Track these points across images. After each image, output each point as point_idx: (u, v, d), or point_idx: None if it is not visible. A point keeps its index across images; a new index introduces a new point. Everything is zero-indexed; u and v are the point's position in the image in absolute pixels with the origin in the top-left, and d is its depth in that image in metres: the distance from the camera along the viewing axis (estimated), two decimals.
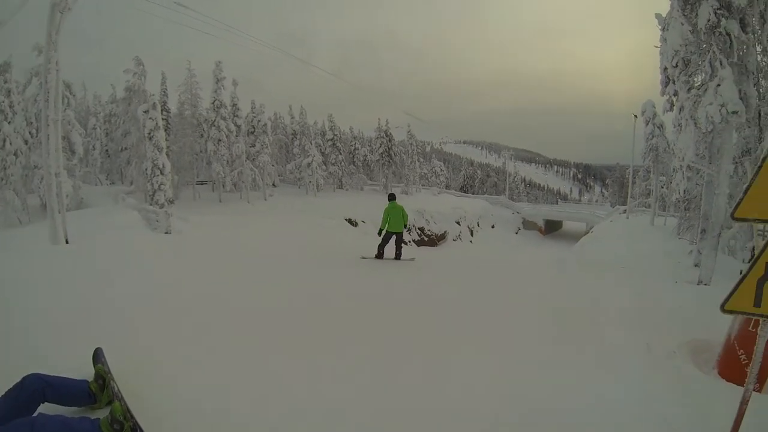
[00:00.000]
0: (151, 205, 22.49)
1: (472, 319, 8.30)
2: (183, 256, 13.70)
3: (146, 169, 24.06)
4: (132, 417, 3.93)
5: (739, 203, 3.90)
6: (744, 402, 4.02)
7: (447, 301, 9.86)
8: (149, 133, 23.92)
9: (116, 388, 4.32)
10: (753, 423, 4.15)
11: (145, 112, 24.30)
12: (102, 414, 3.97)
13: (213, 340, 6.43)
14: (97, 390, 4.28)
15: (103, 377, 4.35)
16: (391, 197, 16.16)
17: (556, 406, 5.08)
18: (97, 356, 4.75)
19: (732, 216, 3.97)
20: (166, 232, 19.56)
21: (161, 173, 23.78)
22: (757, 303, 3.85)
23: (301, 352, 6.20)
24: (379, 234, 15.69)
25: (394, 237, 15.75)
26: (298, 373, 5.56)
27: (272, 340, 6.65)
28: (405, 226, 15.92)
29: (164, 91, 38.20)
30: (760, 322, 3.95)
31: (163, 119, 29.64)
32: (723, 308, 4.00)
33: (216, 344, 6.29)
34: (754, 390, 4.10)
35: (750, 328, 5.32)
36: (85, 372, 4.54)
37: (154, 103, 24.58)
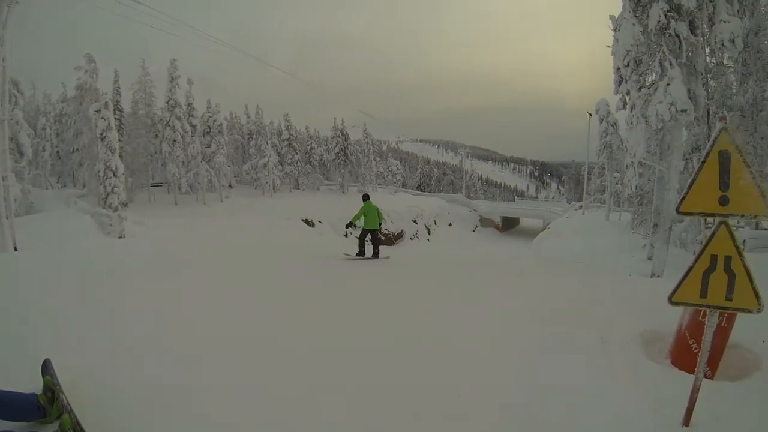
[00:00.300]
0: (104, 208, 22.01)
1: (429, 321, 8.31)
2: (136, 262, 13.34)
3: (99, 172, 23.46)
4: (82, 430, 3.87)
5: (683, 198, 4.07)
6: (695, 390, 4.19)
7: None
8: (101, 134, 23.33)
9: (65, 401, 4.22)
10: (705, 409, 4.33)
11: (96, 111, 23.64)
12: (52, 428, 3.90)
13: (166, 349, 6.33)
14: (46, 403, 4.15)
15: (52, 389, 4.23)
16: (365, 197, 16.69)
17: (508, 401, 5.17)
18: (46, 368, 4.63)
19: (677, 210, 4.14)
20: (120, 237, 19.19)
21: (114, 175, 23.23)
22: (703, 294, 4.03)
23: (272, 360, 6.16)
24: (347, 227, 16.07)
25: (369, 234, 16.24)
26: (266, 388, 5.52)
27: (230, 344, 6.60)
28: (380, 225, 16.47)
29: (117, 90, 37.07)
30: (707, 312, 4.11)
31: (116, 119, 29.05)
32: (671, 300, 4.18)
33: (168, 353, 6.20)
34: (706, 377, 4.28)
35: (700, 318, 5.49)
36: (34, 385, 4.42)
37: (107, 102, 23.97)
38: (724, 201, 3.92)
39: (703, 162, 3.98)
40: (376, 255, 15.98)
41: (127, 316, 7.88)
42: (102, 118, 23.40)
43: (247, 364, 5.84)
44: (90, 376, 5.22)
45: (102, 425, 4.34)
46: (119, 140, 27.39)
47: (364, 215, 16.06)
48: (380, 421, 4.64)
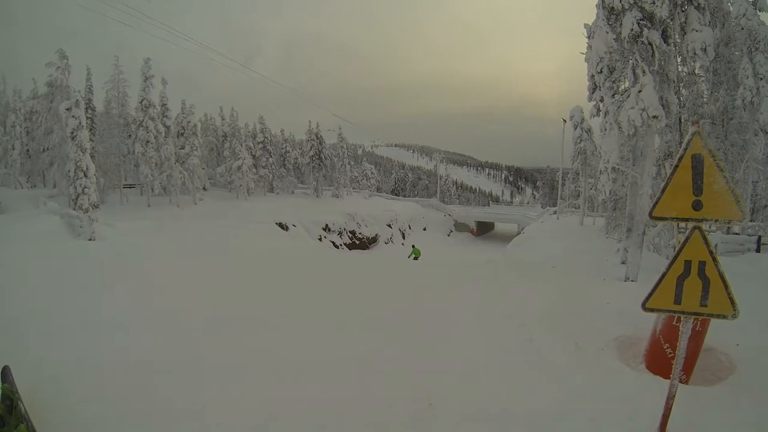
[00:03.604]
0: (74, 209, 21.45)
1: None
2: (103, 268, 13.07)
3: (69, 172, 22.83)
4: None
5: (656, 202, 4.06)
6: (670, 396, 4.17)
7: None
8: (72, 133, 22.69)
9: (23, 410, 4.08)
10: (680, 413, 4.32)
11: (67, 109, 22.94)
12: None
13: (127, 359, 6.22)
14: (5, 412, 4.03)
15: (10, 398, 4.11)
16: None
17: (486, 406, 5.13)
18: (5, 375, 4.49)
19: (650, 215, 4.12)
20: (90, 239, 18.78)
21: (85, 176, 22.66)
22: (678, 300, 4.01)
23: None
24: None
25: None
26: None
27: (189, 345, 6.50)
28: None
29: (90, 88, 36.16)
30: (682, 319, 4.09)
31: (87, 118, 28.55)
32: (644, 307, 4.15)
33: (128, 363, 6.10)
34: (681, 382, 4.26)
35: (674, 323, 5.51)
36: None
37: (78, 100, 23.29)
38: (697, 205, 3.91)
39: (676, 166, 3.97)
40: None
41: (104, 325, 7.77)
42: (73, 116, 22.79)
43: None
44: (50, 385, 5.11)
45: None
46: (91, 140, 26.91)
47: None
48: None
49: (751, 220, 19.10)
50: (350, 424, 4.79)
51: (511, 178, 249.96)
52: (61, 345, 6.54)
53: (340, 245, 41.01)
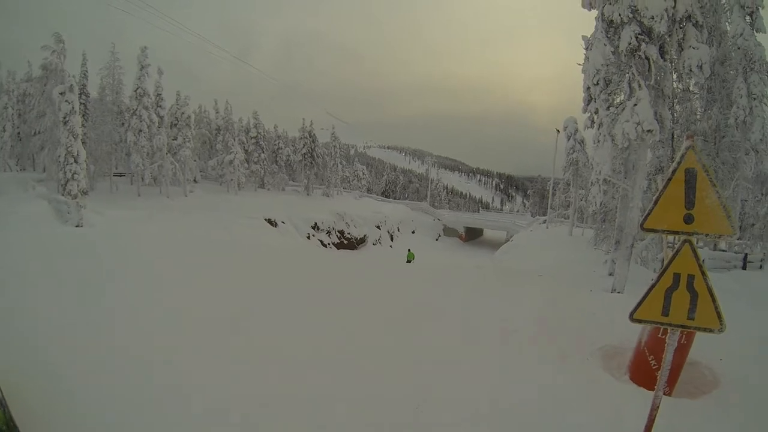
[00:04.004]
0: (63, 195, 21.27)
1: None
2: (91, 256, 12.92)
3: (59, 156, 22.63)
4: (15, 426, 3.71)
5: (648, 214, 4.06)
6: (654, 407, 4.18)
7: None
8: (65, 118, 22.47)
9: (1, 395, 4.03)
10: (662, 425, 4.33)
11: (61, 93, 22.72)
12: None
13: (109, 346, 6.18)
14: None
15: None
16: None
17: (473, 413, 5.13)
18: None
19: (641, 226, 4.13)
20: (78, 226, 18.64)
21: (75, 161, 22.46)
22: (665, 312, 4.02)
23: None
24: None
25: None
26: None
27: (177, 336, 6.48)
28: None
29: (84, 74, 35.82)
30: (669, 331, 4.10)
31: (81, 103, 28.31)
32: (632, 317, 4.16)
33: (110, 350, 6.08)
34: (664, 394, 4.26)
35: (659, 335, 5.53)
36: None
37: (72, 85, 23.11)
38: (689, 219, 3.91)
39: (669, 179, 3.98)
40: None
41: (87, 310, 7.73)
42: (66, 101, 22.60)
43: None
44: (30, 371, 5.08)
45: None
46: (83, 126, 26.61)
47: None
48: None
49: (738, 239, 19.26)
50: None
51: (501, 186, 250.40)
52: (42, 336, 6.48)
53: (329, 244, 41.04)
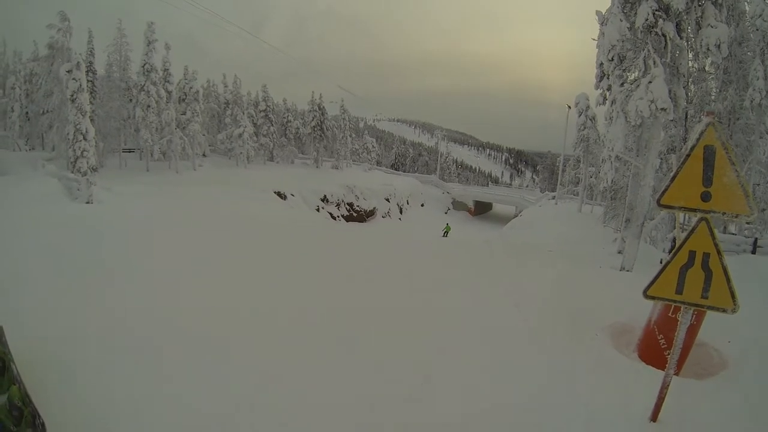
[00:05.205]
0: (72, 172, 21.29)
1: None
2: (99, 234, 12.94)
3: (68, 134, 22.57)
4: (30, 402, 3.71)
5: (665, 190, 4.01)
6: (664, 386, 4.16)
7: None
8: (72, 96, 22.36)
9: (16, 371, 4.03)
10: (670, 404, 4.30)
11: (68, 72, 22.55)
12: (1, 401, 3.69)
13: (115, 329, 6.21)
14: None
15: (3, 360, 3.98)
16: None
17: (480, 384, 5.15)
18: None
19: (658, 202, 4.07)
20: (88, 202, 18.68)
21: (84, 139, 22.41)
22: (679, 290, 3.98)
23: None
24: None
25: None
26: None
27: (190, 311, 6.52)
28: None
29: (91, 51, 35.32)
30: (681, 308, 4.06)
31: (88, 81, 28.19)
32: (645, 294, 4.12)
33: (116, 332, 6.10)
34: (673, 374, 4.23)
35: (670, 314, 5.50)
36: None
37: (79, 62, 22.90)
38: (706, 197, 3.86)
39: (688, 155, 3.91)
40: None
41: (100, 289, 7.79)
42: (73, 78, 22.47)
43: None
44: (43, 349, 5.11)
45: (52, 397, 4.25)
46: (91, 103, 26.57)
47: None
48: None
49: (748, 222, 19.09)
50: None
51: (511, 161, 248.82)
52: (57, 310, 6.52)
53: (338, 217, 41.01)
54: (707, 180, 3.82)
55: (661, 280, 4.07)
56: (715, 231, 3.89)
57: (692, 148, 3.89)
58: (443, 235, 36.11)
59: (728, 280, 3.83)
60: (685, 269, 3.96)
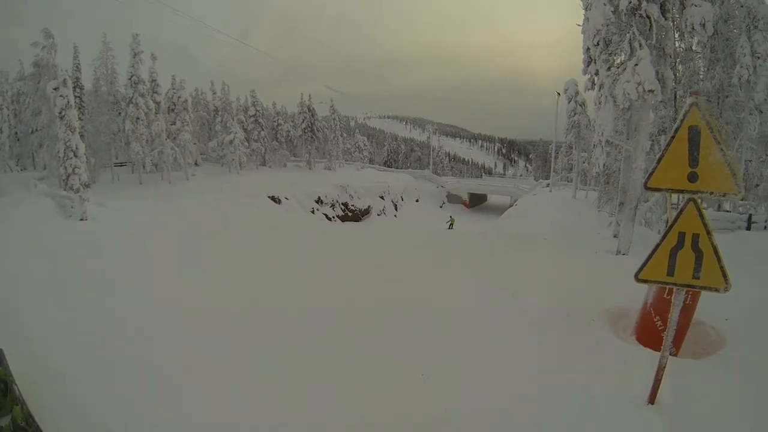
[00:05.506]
0: (65, 190, 21.21)
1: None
2: (95, 251, 12.95)
3: (59, 152, 22.45)
4: (33, 421, 3.73)
5: (651, 173, 4.04)
6: (660, 368, 4.18)
7: None
8: (60, 113, 22.24)
9: (18, 392, 4.05)
10: (669, 385, 4.33)
11: (55, 89, 22.47)
12: (5, 422, 3.73)
13: (118, 343, 6.23)
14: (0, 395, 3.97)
15: (5, 381, 4.03)
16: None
17: (481, 377, 5.18)
18: None
19: (645, 185, 4.10)
20: (82, 219, 18.66)
21: (75, 155, 22.30)
22: (670, 272, 4.00)
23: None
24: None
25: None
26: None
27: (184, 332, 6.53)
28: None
29: (77, 66, 35.30)
30: (674, 290, 4.08)
31: (76, 97, 28.11)
32: (637, 278, 4.15)
33: (119, 346, 6.13)
34: (670, 354, 4.25)
35: (665, 296, 5.53)
36: None
37: (65, 79, 22.83)
38: (693, 177, 3.88)
39: (673, 137, 3.93)
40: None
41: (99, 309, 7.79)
42: (61, 95, 22.37)
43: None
44: (43, 369, 5.12)
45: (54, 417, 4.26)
46: (80, 119, 26.50)
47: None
48: None
49: (742, 199, 19.16)
50: None
51: (504, 151, 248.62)
52: (56, 331, 6.54)
53: (333, 217, 41.11)
54: (693, 160, 3.84)
55: (652, 263, 4.09)
56: (704, 211, 3.91)
57: (677, 130, 3.90)
58: (449, 227, 37.83)
59: (719, 259, 3.84)
60: (676, 251, 3.98)
